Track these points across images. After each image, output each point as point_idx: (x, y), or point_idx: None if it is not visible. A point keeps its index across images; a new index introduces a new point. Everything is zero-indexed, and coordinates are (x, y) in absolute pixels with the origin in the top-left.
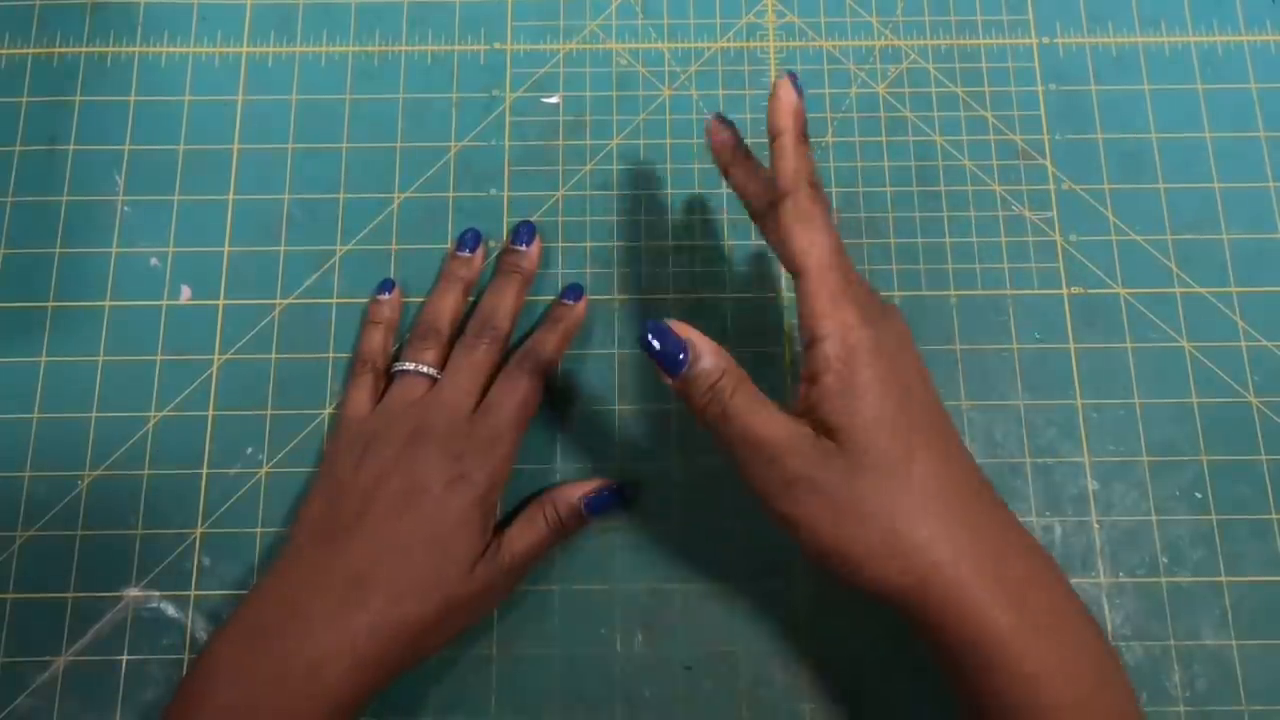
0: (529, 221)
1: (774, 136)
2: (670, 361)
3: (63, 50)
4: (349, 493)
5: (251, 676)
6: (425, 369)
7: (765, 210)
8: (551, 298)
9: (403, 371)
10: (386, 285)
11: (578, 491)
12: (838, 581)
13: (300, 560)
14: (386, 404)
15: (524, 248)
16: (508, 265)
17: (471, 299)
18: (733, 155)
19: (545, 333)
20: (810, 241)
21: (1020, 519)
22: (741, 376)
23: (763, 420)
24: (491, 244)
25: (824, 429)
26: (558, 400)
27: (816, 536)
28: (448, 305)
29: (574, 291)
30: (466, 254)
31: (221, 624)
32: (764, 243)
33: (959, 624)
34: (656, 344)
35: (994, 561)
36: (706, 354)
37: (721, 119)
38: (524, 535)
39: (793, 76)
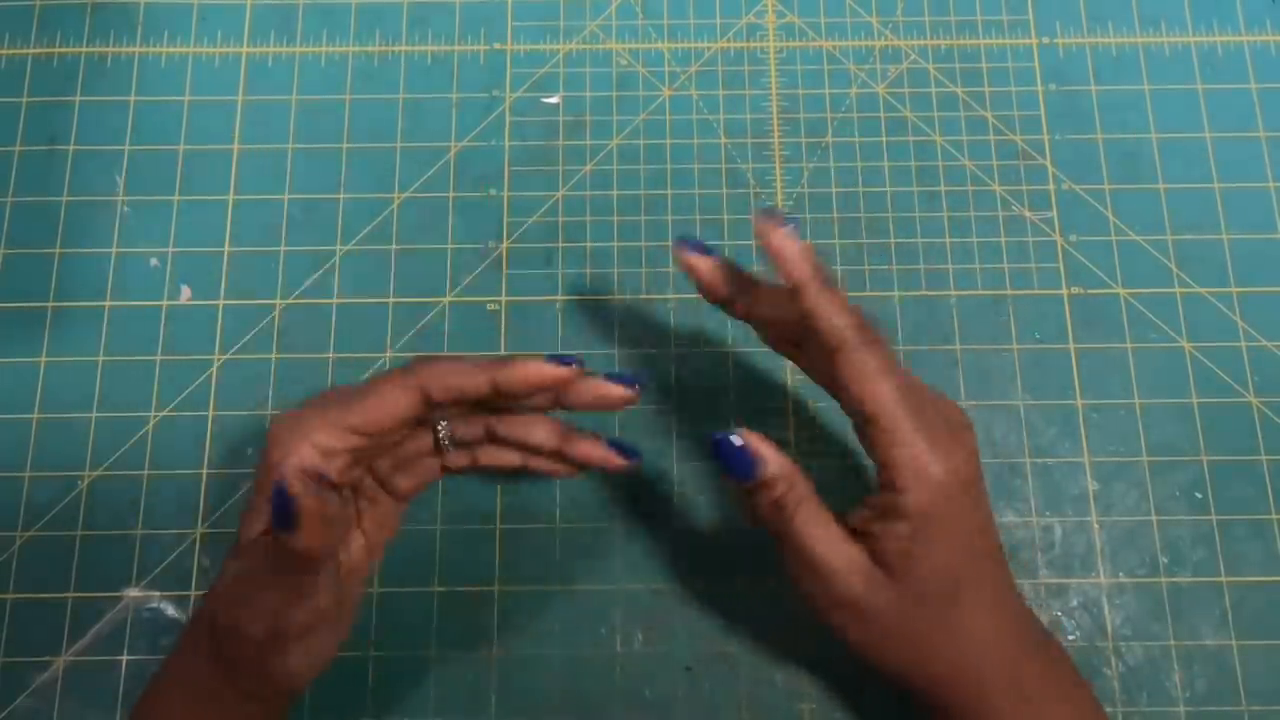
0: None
1: (794, 289)
2: (741, 473)
3: (63, 50)
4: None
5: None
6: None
7: (796, 341)
8: (557, 299)
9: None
10: None
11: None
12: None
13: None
14: None
15: (627, 387)
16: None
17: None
18: (730, 292)
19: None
20: (873, 393)
21: (1020, 519)
22: (807, 491)
23: (822, 541)
24: (491, 243)
25: (881, 559)
26: None
27: (856, 648)
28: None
29: (628, 378)
30: (555, 366)
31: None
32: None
33: None
34: (727, 457)
35: (1026, 704)
36: (774, 466)
37: (692, 249)
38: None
39: (778, 218)
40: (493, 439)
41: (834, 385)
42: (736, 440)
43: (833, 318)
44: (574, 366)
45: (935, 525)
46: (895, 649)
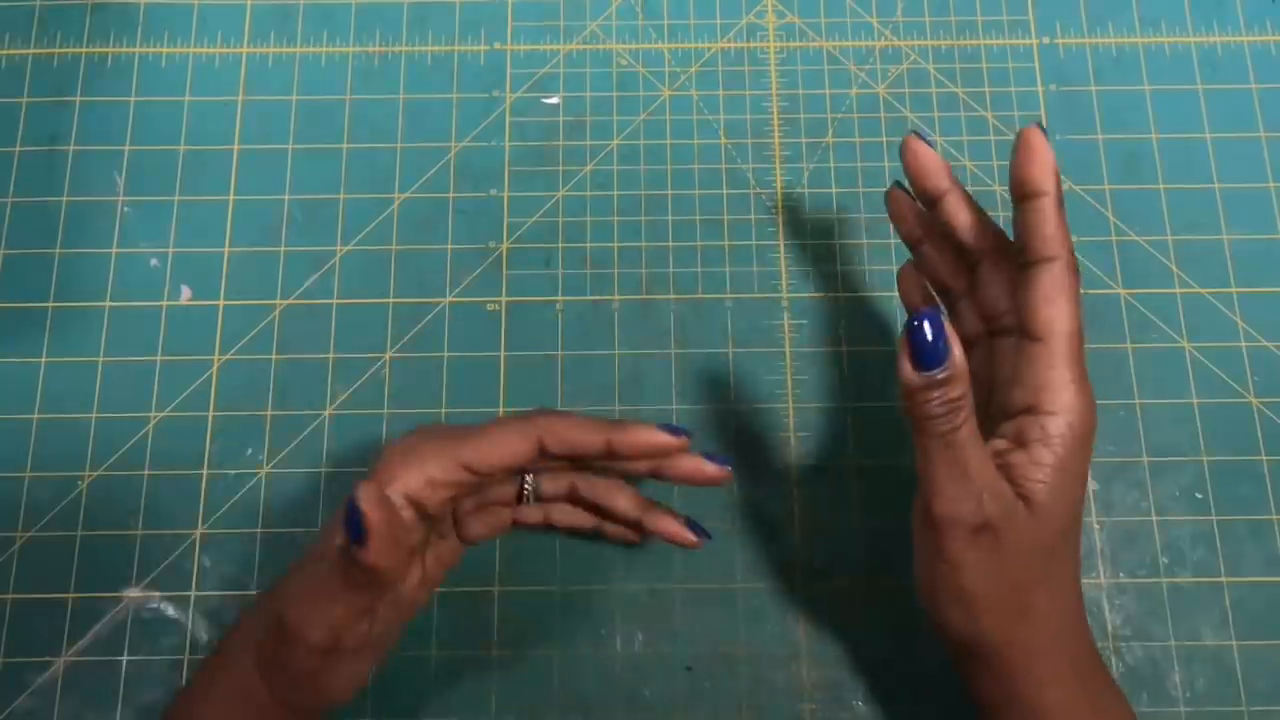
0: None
1: (1030, 196)
2: (930, 358)
3: (63, 50)
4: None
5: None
6: None
7: (958, 247)
8: (558, 299)
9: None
10: None
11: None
12: (928, 615)
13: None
14: None
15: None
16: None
17: None
18: (925, 230)
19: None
20: (1061, 312)
21: None
22: (973, 406)
23: (979, 460)
24: (491, 243)
25: (1019, 487)
26: (549, 399)
27: (966, 587)
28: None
29: (720, 459)
30: (669, 436)
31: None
32: (765, 243)
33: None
34: (926, 335)
35: (1078, 673)
36: (961, 362)
37: (920, 145)
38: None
39: (1039, 125)
40: (573, 499)
41: (1018, 295)
42: (934, 322)
43: (1055, 230)
44: (684, 438)
45: (1073, 460)
46: (1007, 599)
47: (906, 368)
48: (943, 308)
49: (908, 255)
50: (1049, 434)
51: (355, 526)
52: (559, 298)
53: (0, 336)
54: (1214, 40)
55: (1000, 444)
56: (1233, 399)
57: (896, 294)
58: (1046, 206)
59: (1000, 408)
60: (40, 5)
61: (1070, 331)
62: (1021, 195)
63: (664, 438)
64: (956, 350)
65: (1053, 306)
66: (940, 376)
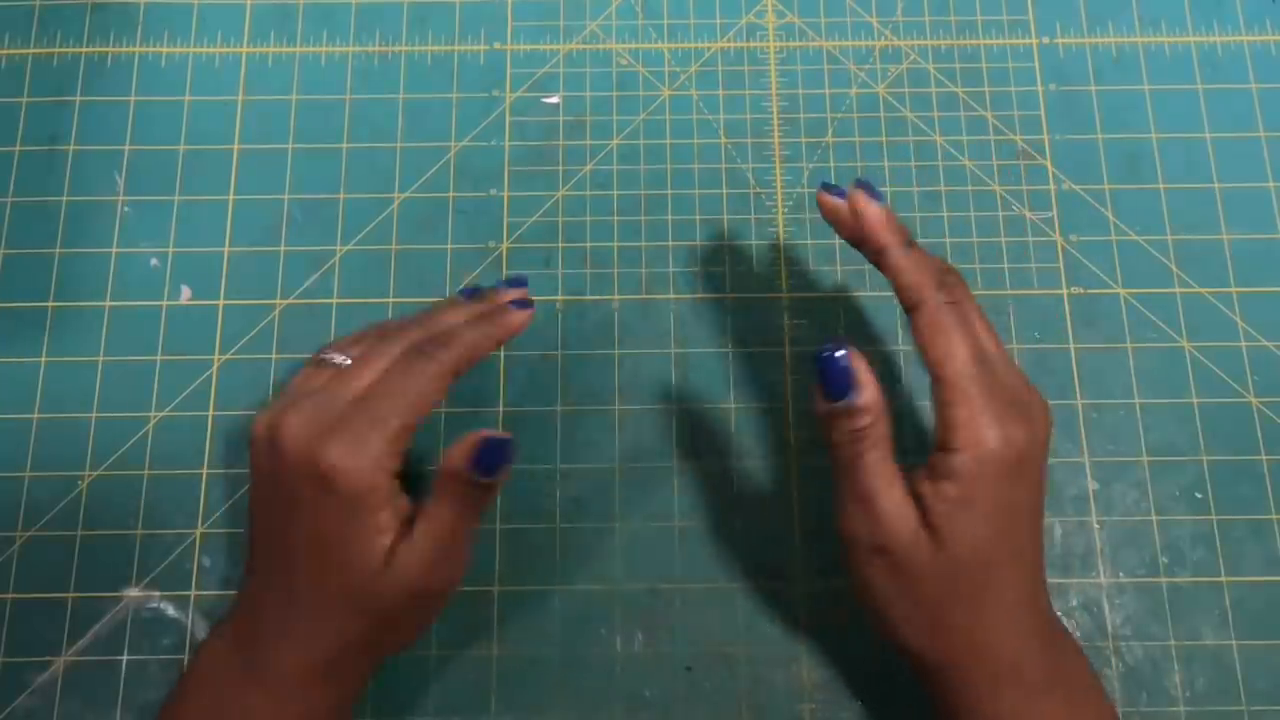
0: (522, 285)
1: (875, 254)
2: (835, 389)
3: (63, 50)
4: (255, 520)
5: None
6: (338, 358)
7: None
8: (558, 299)
9: (312, 361)
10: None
11: (459, 458)
12: (872, 626)
13: (253, 580)
14: (279, 398)
15: (513, 309)
16: (491, 314)
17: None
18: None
19: (468, 324)
20: (946, 353)
21: None
22: (886, 432)
23: (884, 488)
24: (491, 243)
25: (928, 520)
26: (549, 399)
27: (875, 600)
28: (406, 323)
29: (521, 300)
30: (463, 300)
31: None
32: (764, 243)
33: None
34: (828, 371)
35: (1021, 682)
36: (868, 395)
37: (833, 193)
38: (431, 521)
39: (865, 185)
40: None
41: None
42: (841, 356)
43: (910, 278)
44: (523, 295)
45: (981, 494)
46: (918, 615)
47: (817, 396)
48: (849, 346)
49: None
50: (953, 470)
51: (840, 386)
52: (559, 298)
53: (0, 336)
54: (1214, 40)
55: (920, 476)
56: (1233, 399)
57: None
58: (893, 259)
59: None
60: (40, 5)
61: (963, 369)
62: (868, 255)
63: (527, 315)
64: (865, 387)
65: (936, 348)
66: (845, 406)
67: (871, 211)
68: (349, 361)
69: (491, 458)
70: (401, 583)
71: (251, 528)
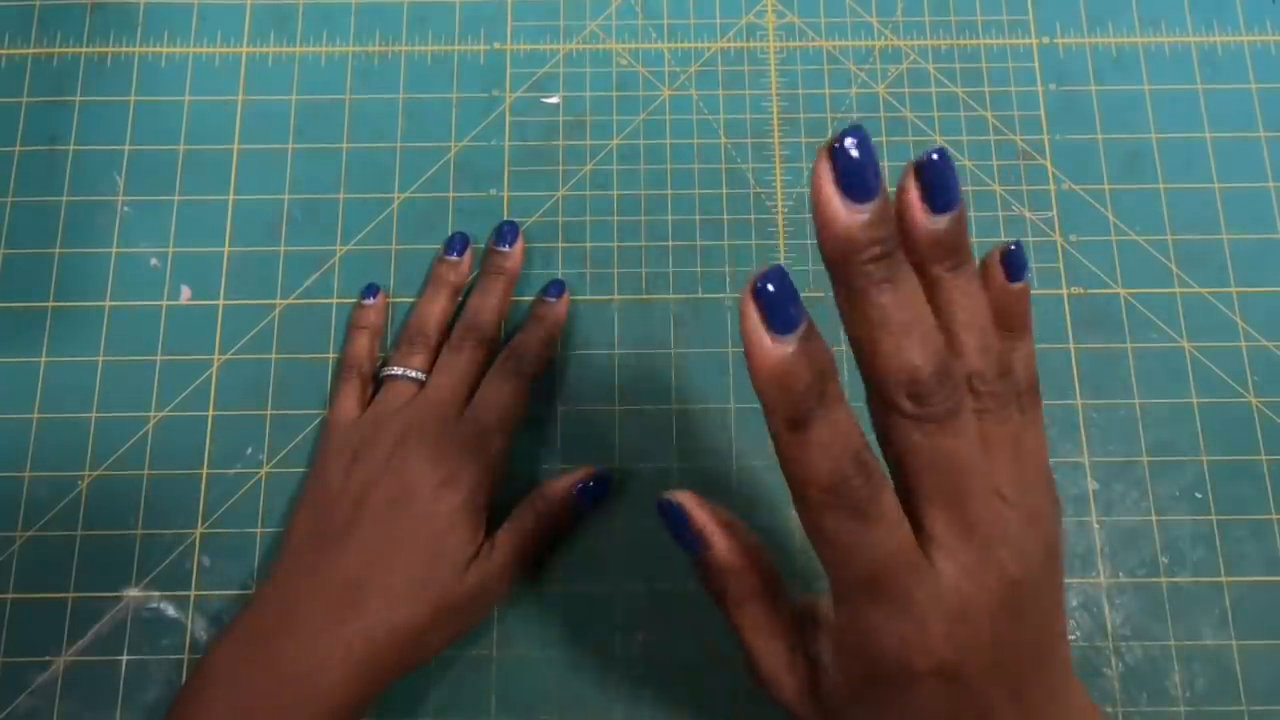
0: (512, 221)
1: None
2: (683, 544)
3: (63, 50)
4: (339, 499)
5: (247, 683)
6: (413, 373)
7: None
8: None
9: (390, 376)
10: (371, 290)
11: (565, 484)
12: None
13: (294, 568)
14: (374, 409)
15: (507, 248)
16: (492, 266)
17: (461, 299)
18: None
19: (528, 332)
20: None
21: None
22: (755, 588)
23: (760, 648)
24: (479, 246)
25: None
26: (549, 399)
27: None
28: (435, 309)
29: (556, 288)
30: (454, 258)
31: (219, 632)
32: (765, 243)
33: None
34: (672, 525)
35: None
36: (720, 555)
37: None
38: (516, 533)
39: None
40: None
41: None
42: (675, 508)
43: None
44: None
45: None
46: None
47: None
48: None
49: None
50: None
51: (686, 541)
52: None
53: (0, 336)
54: (1214, 40)
55: (808, 601)
56: (1233, 399)
57: None
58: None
59: None
60: (40, 5)
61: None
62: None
63: (566, 305)
64: (715, 540)
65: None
66: (696, 562)
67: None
68: (422, 376)
69: (598, 490)
70: (470, 588)
71: (310, 523)
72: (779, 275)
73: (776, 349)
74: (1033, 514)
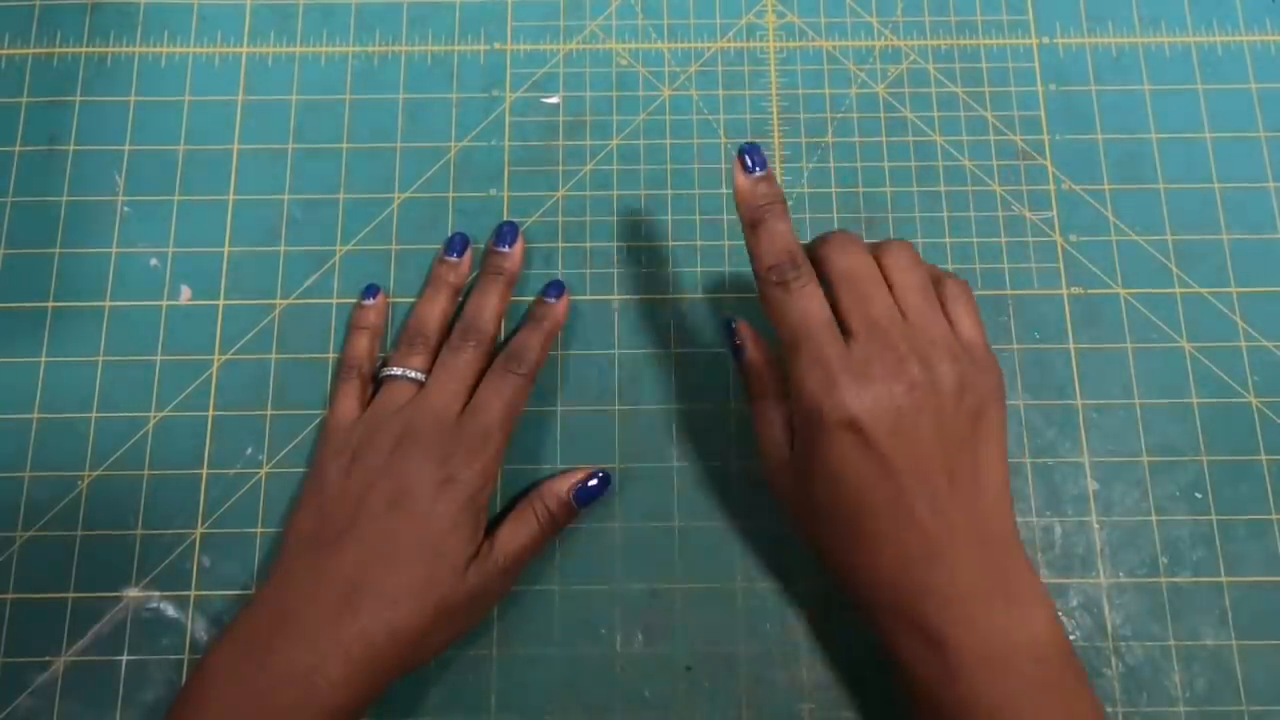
0: (512, 222)
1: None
2: (730, 348)
3: (63, 50)
4: (339, 500)
5: (247, 684)
6: (412, 374)
7: None
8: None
9: (390, 377)
10: (371, 290)
11: (565, 484)
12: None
13: (293, 568)
14: (374, 409)
15: (507, 249)
16: (491, 267)
17: (461, 299)
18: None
19: (528, 332)
20: (780, 327)
21: (1020, 519)
22: (764, 389)
23: (765, 433)
24: (479, 246)
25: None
26: (549, 399)
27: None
28: (435, 310)
29: (555, 289)
30: (454, 259)
31: (218, 632)
32: None
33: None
34: (725, 338)
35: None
36: (749, 355)
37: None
38: (516, 534)
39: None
40: None
41: None
42: (732, 322)
43: (753, 260)
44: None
45: (817, 452)
46: (809, 528)
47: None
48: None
49: None
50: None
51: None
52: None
53: (0, 336)
54: (1214, 40)
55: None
56: (1233, 399)
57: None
58: (746, 238)
59: None
60: (40, 5)
61: (793, 336)
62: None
63: (566, 305)
64: (749, 347)
65: (775, 323)
66: (738, 364)
67: (739, 184)
68: (422, 376)
69: (598, 490)
70: (469, 589)
71: (310, 524)
72: (754, 147)
73: (747, 177)
74: (944, 349)
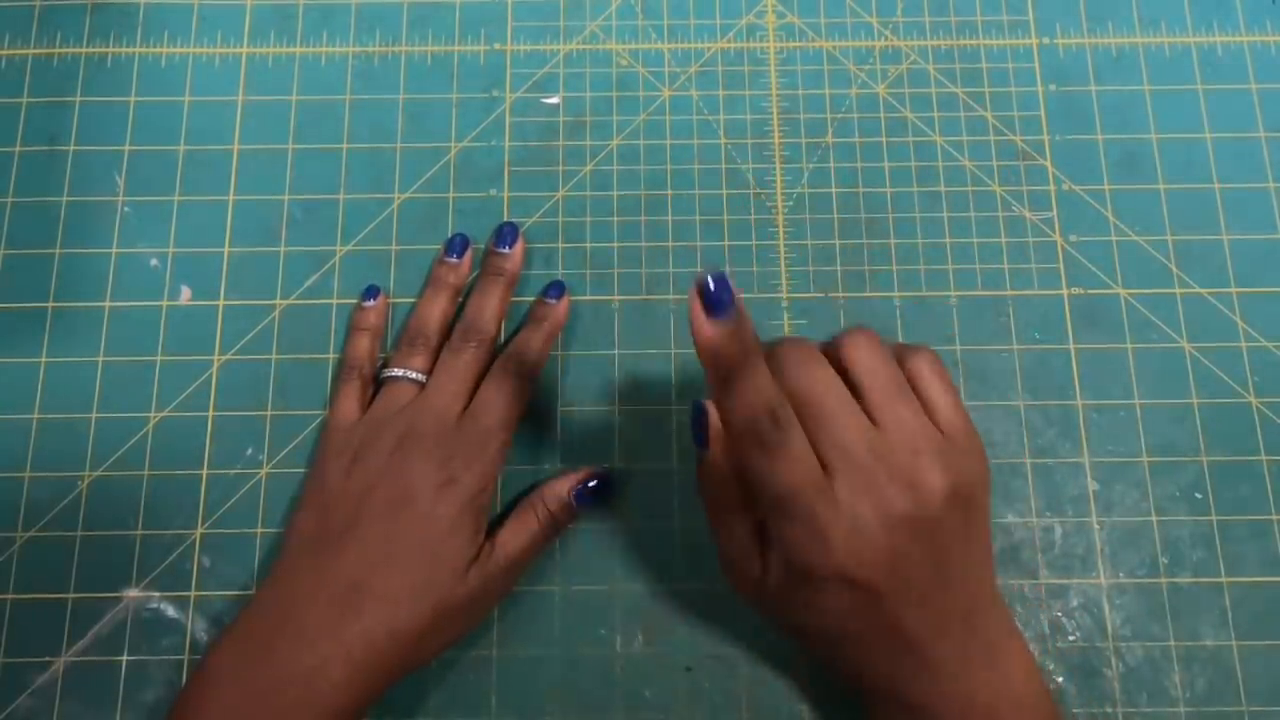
0: (512, 223)
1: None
2: (696, 439)
3: (63, 50)
4: (340, 501)
5: (247, 686)
6: (413, 374)
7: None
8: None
9: (391, 378)
10: (371, 292)
11: (566, 485)
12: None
13: (294, 569)
14: (374, 410)
15: (507, 250)
16: (491, 268)
17: (461, 300)
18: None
19: (529, 333)
20: (759, 481)
21: (1020, 519)
22: (731, 502)
23: (731, 550)
24: (479, 247)
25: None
26: (549, 399)
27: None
28: (436, 311)
29: (556, 289)
30: (454, 259)
31: (219, 633)
32: (765, 243)
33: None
34: (693, 421)
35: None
36: (715, 454)
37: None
38: (516, 535)
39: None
40: None
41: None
42: (704, 406)
43: (721, 411)
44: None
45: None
46: (788, 632)
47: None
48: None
49: (907, 255)
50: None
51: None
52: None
53: (0, 336)
54: (1214, 40)
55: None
56: (1233, 399)
57: (895, 294)
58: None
59: None
60: (40, 5)
61: (775, 493)
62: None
63: (566, 307)
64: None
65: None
66: (702, 455)
67: (700, 334)
68: (423, 377)
69: (598, 490)
70: (470, 590)
71: (310, 525)
72: (719, 276)
73: (711, 329)
74: (928, 456)
